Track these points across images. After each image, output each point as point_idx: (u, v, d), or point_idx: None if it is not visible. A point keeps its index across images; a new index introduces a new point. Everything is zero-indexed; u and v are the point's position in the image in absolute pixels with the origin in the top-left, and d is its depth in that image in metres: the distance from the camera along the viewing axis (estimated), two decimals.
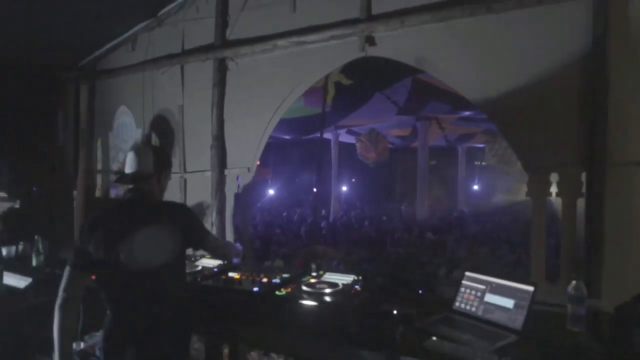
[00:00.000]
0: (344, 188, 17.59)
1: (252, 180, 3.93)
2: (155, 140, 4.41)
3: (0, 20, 3.75)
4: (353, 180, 19.08)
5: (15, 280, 2.74)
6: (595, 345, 1.45)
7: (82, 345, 2.62)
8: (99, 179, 5.03)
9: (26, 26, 3.91)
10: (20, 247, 3.26)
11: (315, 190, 9.29)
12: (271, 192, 17.40)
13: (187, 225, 1.85)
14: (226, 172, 3.94)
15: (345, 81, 7.37)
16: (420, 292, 2.10)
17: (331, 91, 7.59)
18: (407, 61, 3.27)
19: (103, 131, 4.95)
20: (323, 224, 10.39)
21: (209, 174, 3.97)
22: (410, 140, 14.17)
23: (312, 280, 2.16)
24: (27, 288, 2.66)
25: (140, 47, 4.49)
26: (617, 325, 1.42)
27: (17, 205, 4.14)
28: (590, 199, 2.65)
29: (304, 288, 2.04)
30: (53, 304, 1.77)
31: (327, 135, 13.11)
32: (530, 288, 1.68)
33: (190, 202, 4.02)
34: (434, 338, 1.58)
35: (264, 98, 3.75)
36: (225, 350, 2.31)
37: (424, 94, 8.19)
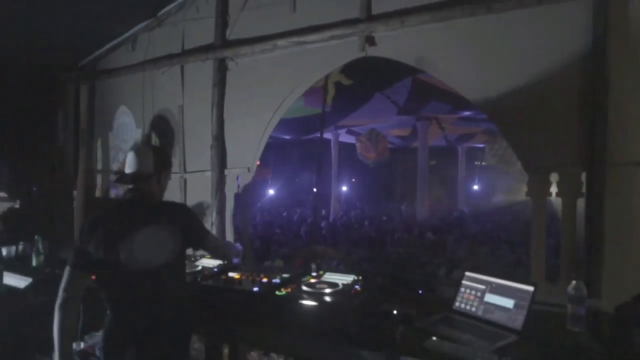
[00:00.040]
0: (344, 188, 17.59)
1: (252, 180, 3.93)
2: (155, 140, 4.41)
3: (1, 20, 3.75)
4: (353, 180, 19.08)
5: (15, 280, 2.74)
6: (595, 345, 1.45)
7: (82, 345, 2.62)
8: (99, 179, 5.03)
9: (26, 26, 3.91)
10: (20, 247, 3.26)
11: (315, 190, 9.28)
12: (271, 192, 17.39)
13: (187, 225, 1.85)
14: (226, 172, 3.94)
15: (346, 81, 7.37)
16: (420, 292, 2.09)
17: (331, 91, 7.59)
18: (407, 61, 3.27)
19: (103, 131, 4.95)
20: (323, 224, 10.39)
21: (209, 174, 3.97)
22: (410, 140, 14.17)
23: (312, 280, 2.16)
24: (27, 288, 2.66)
25: (140, 47, 4.49)
26: (617, 325, 1.42)
27: (17, 205, 4.13)
28: (590, 199, 2.65)
29: (304, 288, 2.04)
30: (53, 304, 1.77)
31: (327, 135, 13.11)
32: (530, 288, 1.68)
33: (190, 202, 4.02)
34: (434, 338, 1.58)
35: (264, 98, 3.75)
36: (225, 350, 2.31)
37: (424, 94, 8.19)
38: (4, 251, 3.17)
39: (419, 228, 9.59)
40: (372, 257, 6.49)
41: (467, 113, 9.69)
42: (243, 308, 2.03)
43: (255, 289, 2.09)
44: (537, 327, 1.64)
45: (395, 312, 1.70)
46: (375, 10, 3.25)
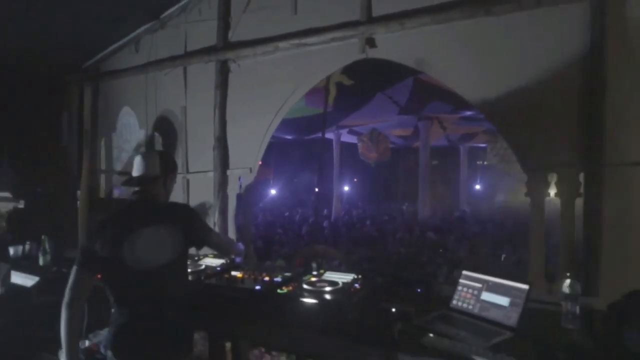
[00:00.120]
0: (346, 188, 17.62)
1: (254, 180, 3.97)
2: (158, 140, 4.46)
3: (5, 22, 3.81)
4: (355, 180, 19.10)
5: (22, 279, 2.79)
6: (588, 342, 1.49)
7: (86, 343, 2.66)
8: (102, 179, 5.08)
9: (30, 28, 3.96)
10: (27, 246, 3.32)
11: (317, 190, 9.32)
12: (273, 192, 17.44)
13: (189, 224, 1.90)
14: (228, 172, 3.99)
15: (347, 81, 7.40)
16: (418, 290, 2.13)
17: (333, 91, 7.62)
18: (407, 63, 3.31)
19: (106, 132, 5.01)
20: (325, 223, 10.43)
21: (211, 174, 4.01)
22: (412, 140, 14.19)
23: (313, 279, 2.20)
24: (34, 287, 2.71)
25: (143, 49, 4.54)
26: (609, 322, 1.46)
27: (21, 206, 4.19)
28: (588, 199, 2.68)
29: (305, 286, 2.08)
30: (60, 302, 1.81)
31: (329, 135, 13.15)
32: (525, 286, 1.72)
33: (193, 202, 4.07)
34: (431, 335, 1.62)
35: (265, 99, 3.79)
36: (228, 347, 2.35)
37: (425, 94, 8.21)
38: (11, 251, 3.22)
39: (421, 228, 9.61)
40: (372, 257, 6.52)
41: (468, 113, 9.70)
42: (245, 306, 2.07)
43: (258, 287, 2.14)
44: (533, 325, 1.68)
45: (393, 309, 1.74)
46: (376, 12, 3.28)
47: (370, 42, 3.29)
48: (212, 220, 3.90)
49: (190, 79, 4.22)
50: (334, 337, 1.75)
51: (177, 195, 4.06)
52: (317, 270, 2.37)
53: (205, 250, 2.51)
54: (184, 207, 2.07)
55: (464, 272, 1.96)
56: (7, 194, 4.22)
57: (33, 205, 4.47)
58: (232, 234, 3.94)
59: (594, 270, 2.62)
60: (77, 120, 5.12)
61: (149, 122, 4.53)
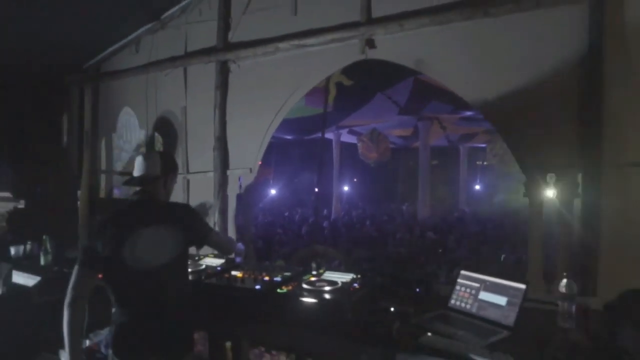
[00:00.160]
0: (346, 188, 17.63)
1: (254, 180, 3.99)
2: (158, 141, 4.47)
3: (5, 23, 3.82)
4: (354, 180, 19.12)
5: (24, 279, 2.81)
6: (584, 341, 1.51)
7: (87, 342, 2.68)
8: (102, 179, 5.10)
9: (31, 29, 3.98)
10: (28, 246, 3.33)
11: (316, 190, 9.34)
12: (273, 192, 17.46)
13: (190, 224, 1.92)
14: (228, 172, 4.00)
15: (347, 82, 7.42)
16: (417, 290, 2.15)
17: (332, 91, 7.63)
18: (407, 63, 3.32)
19: (107, 132, 5.02)
20: (325, 223, 10.44)
21: (211, 174, 4.03)
22: (411, 140, 14.21)
23: (313, 279, 2.22)
24: (35, 286, 2.72)
25: (144, 50, 4.55)
26: (604, 321, 1.47)
27: (21, 206, 4.20)
28: (586, 199, 2.69)
29: (305, 286, 2.10)
30: (61, 302, 1.83)
31: (329, 135, 13.16)
32: (522, 286, 1.74)
33: (193, 202, 4.08)
34: (429, 334, 1.64)
35: (265, 100, 3.80)
36: (228, 347, 2.37)
37: (425, 94, 8.23)
38: (12, 250, 3.24)
39: (420, 228, 9.63)
40: (372, 257, 6.54)
41: (468, 113, 9.72)
42: (245, 305, 2.09)
43: (258, 286, 2.15)
44: (530, 324, 1.70)
45: (392, 309, 1.76)
46: (375, 13, 3.30)
47: (370, 43, 3.31)
48: (212, 221, 3.92)
49: (191, 79, 4.24)
50: (333, 336, 1.77)
51: (177, 196, 4.07)
52: (317, 270, 2.39)
53: (206, 250, 2.53)
54: (185, 207, 2.09)
55: (462, 272, 1.98)
56: (7, 194, 4.24)
57: (33, 205, 4.49)
58: (232, 234, 3.96)
59: (591, 271, 2.63)
60: (77, 120, 5.14)
61: (149, 123, 4.55)
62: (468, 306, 1.86)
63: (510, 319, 1.68)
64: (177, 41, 4.29)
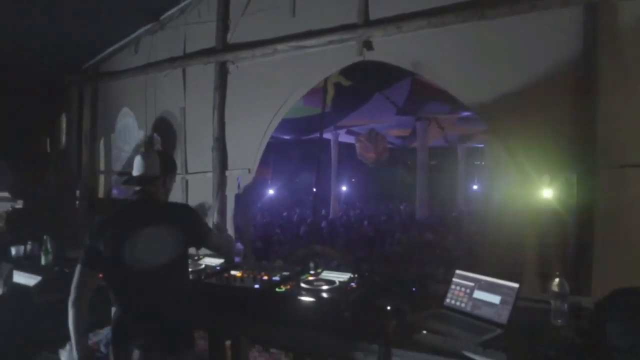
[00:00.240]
0: (344, 188, 17.67)
1: (252, 180, 4.02)
2: (157, 141, 4.49)
3: (5, 23, 3.84)
4: (353, 180, 19.16)
5: (24, 279, 2.83)
6: (575, 337, 1.54)
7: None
8: (101, 180, 5.12)
9: (31, 29, 3.99)
10: (29, 246, 3.35)
11: (315, 190, 9.37)
12: (271, 192, 17.48)
13: (190, 224, 1.94)
14: (227, 173, 4.03)
15: (345, 82, 7.44)
16: (413, 289, 2.19)
17: (331, 92, 7.65)
18: (404, 65, 3.36)
19: (106, 132, 5.04)
20: (323, 223, 10.47)
21: (210, 175, 4.05)
22: (410, 141, 14.24)
23: (310, 278, 2.25)
24: (36, 286, 2.74)
25: (143, 50, 4.58)
26: (594, 319, 1.51)
27: (19, 206, 4.21)
28: (581, 200, 2.73)
29: (303, 285, 2.14)
30: (62, 301, 1.86)
31: (327, 135, 13.18)
32: (516, 285, 1.78)
33: (192, 202, 4.11)
34: (425, 332, 1.68)
35: (264, 101, 3.83)
36: (228, 345, 2.40)
37: (423, 95, 8.26)
38: (13, 250, 3.26)
39: (418, 228, 9.66)
40: (370, 257, 6.57)
41: (466, 113, 9.74)
42: (244, 304, 2.12)
43: (256, 286, 2.18)
44: (523, 322, 1.74)
45: (388, 307, 1.79)
46: (373, 15, 3.33)
47: (368, 45, 3.34)
48: (211, 221, 3.95)
49: (190, 80, 4.26)
50: (330, 334, 1.80)
51: (176, 196, 4.09)
52: (315, 269, 2.42)
53: (205, 249, 2.56)
54: (184, 207, 2.11)
55: (457, 271, 2.01)
56: (5, 194, 4.25)
57: (32, 206, 4.50)
58: (231, 234, 3.99)
59: (585, 270, 2.68)
60: (76, 120, 5.16)
61: (148, 123, 4.57)
62: (463, 305, 1.90)
63: (503, 317, 1.72)
64: (176, 42, 4.31)
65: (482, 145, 15.13)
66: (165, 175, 2.02)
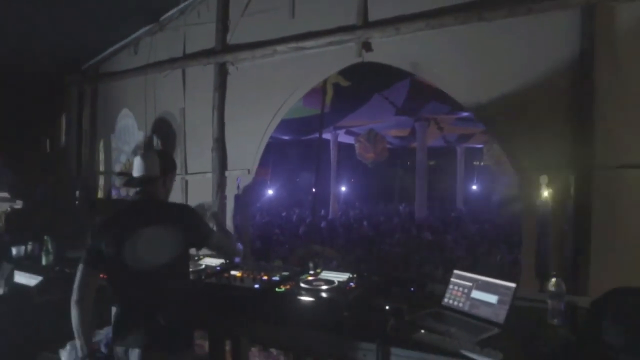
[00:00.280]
0: (343, 188, 17.68)
1: (252, 180, 4.03)
2: (156, 142, 4.51)
3: (5, 23, 3.85)
4: (352, 180, 19.18)
5: (25, 279, 2.84)
6: (571, 336, 1.57)
7: None
8: (101, 180, 5.13)
9: (31, 30, 4.01)
10: (29, 247, 3.37)
11: (314, 190, 9.39)
12: (270, 192, 17.49)
13: (191, 225, 1.96)
14: (227, 173, 4.04)
15: (344, 82, 7.44)
16: (412, 289, 2.21)
17: (330, 92, 7.66)
18: (403, 66, 3.38)
19: (105, 133, 5.06)
20: (323, 224, 10.49)
21: (209, 175, 4.06)
22: (409, 141, 14.25)
23: (310, 278, 2.27)
24: (37, 286, 2.76)
25: (143, 51, 4.59)
26: (590, 318, 1.53)
27: (18, 206, 4.23)
28: (578, 200, 2.75)
29: (302, 285, 2.16)
30: (63, 301, 1.88)
31: (326, 135, 13.18)
32: (513, 285, 1.80)
33: (192, 203, 4.10)
34: (423, 331, 1.70)
35: (263, 101, 3.85)
36: (228, 345, 2.41)
37: (422, 95, 8.26)
38: (14, 251, 3.28)
39: (417, 228, 9.69)
40: (369, 257, 6.59)
41: (465, 114, 9.75)
42: (244, 304, 2.14)
43: (256, 286, 2.20)
44: (520, 321, 1.76)
45: (387, 307, 1.81)
46: (372, 17, 3.35)
47: (367, 46, 3.36)
48: (211, 221, 3.95)
49: (189, 81, 4.27)
50: (329, 333, 1.82)
51: (175, 196, 4.10)
52: (314, 269, 2.44)
53: (206, 250, 2.57)
54: (185, 208, 2.13)
55: (455, 272, 2.03)
56: (5, 194, 4.26)
57: (31, 206, 4.52)
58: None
59: (583, 270, 2.70)
60: (76, 121, 5.17)
61: (147, 124, 4.58)
62: (461, 304, 1.92)
63: (500, 316, 1.74)
64: (175, 43, 4.33)
65: (481, 146, 15.13)
66: (165, 176, 2.04)
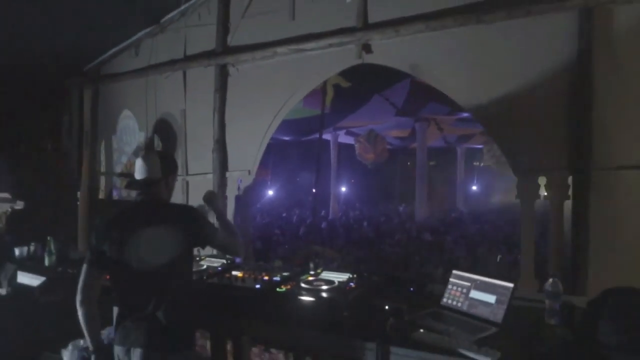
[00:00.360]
0: (343, 189, 17.70)
1: (252, 181, 4.05)
2: (158, 143, 4.53)
3: (6, 25, 3.87)
4: (352, 181, 19.19)
5: (28, 279, 2.87)
6: (567, 336, 1.59)
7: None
8: (102, 181, 5.15)
9: (32, 32, 4.03)
10: (32, 247, 3.40)
11: (314, 191, 9.41)
12: (270, 192, 17.51)
13: (194, 224, 1.97)
14: (227, 174, 4.06)
15: (344, 83, 7.47)
16: (411, 289, 2.23)
17: (330, 93, 7.68)
18: (402, 68, 3.41)
19: (107, 134, 5.08)
20: (323, 224, 10.51)
21: (210, 176, 4.09)
22: (409, 141, 14.27)
23: (310, 278, 2.29)
24: (40, 286, 2.78)
25: (144, 53, 4.61)
26: (586, 318, 1.56)
27: (21, 207, 4.25)
28: (576, 201, 2.78)
29: (303, 285, 2.18)
30: (65, 302, 1.90)
31: (326, 136, 13.21)
32: (510, 285, 1.82)
33: (192, 204, 4.11)
34: (422, 330, 1.72)
35: (264, 103, 3.87)
36: (229, 345, 2.43)
37: (422, 96, 8.28)
38: (17, 251, 3.31)
39: (417, 229, 9.70)
40: (369, 257, 6.61)
41: (465, 114, 9.77)
42: (246, 304, 2.16)
43: (257, 286, 2.22)
44: (518, 321, 1.78)
45: (387, 307, 1.83)
46: (372, 19, 3.38)
47: (367, 48, 3.38)
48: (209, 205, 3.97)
49: (190, 82, 4.30)
50: (329, 333, 1.84)
51: (176, 197, 4.13)
52: (315, 270, 2.46)
53: (206, 250, 2.59)
54: (188, 208, 2.15)
55: (454, 272, 2.06)
56: (6, 195, 4.28)
57: (33, 206, 4.54)
58: None
59: (581, 270, 2.72)
60: (77, 122, 5.19)
61: (148, 125, 4.61)
62: (459, 304, 1.94)
63: (498, 316, 1.77)
64: (176, 45, 4.35)
65: (481, 146, 15.16)
66: (167, 177, 2.06)
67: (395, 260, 6.47)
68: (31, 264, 3.13)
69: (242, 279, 2.36)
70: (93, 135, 5.11)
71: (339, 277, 2.31)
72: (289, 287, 2.20)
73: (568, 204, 2.85)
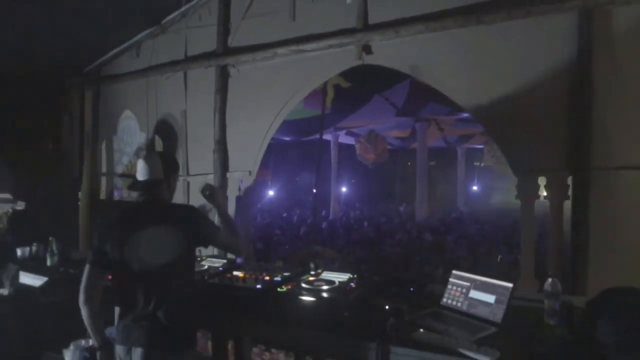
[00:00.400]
0: (344, 189, 17.70)
1: (253, 181, 4.06)
2: (159, 144, 4.54)
3: (7, 26, 3.88)
4: (352, 181, 19.19)
5: (30, 280, 2.88)
6: (566, 336, 1.60)
7: (90, 342, 2.73)
8: (103, 181, 5.17)
9: (33, 32, 4.05)
10: (34, 248, 3.41)
11: (314, 191, 9.42)
12: (271, 193, 17.52)
13: (196, 224, 1.99)
14: (228, 175, 4.08)
15: (344, 84, 7.47)
16: (411, 289, 2.24)
17: (330, 94, 7.68)
18: (402, 69, 3.42)
19: (107, 135, 5.10)
20: (324, 224, 10.52)
21: (211, 177, 4.10)
22: (409, 142, 14.27)
23: (311, 278, 2.30)
24: (42, 287, 2.79)
25: (144, 54, 4.63)
26: (585, 317, 1.56)
27: (22, 207, 4.26)
28: (575, 201, 2.79)
29: (303, 285, 2.19)
30: (67, 302, 1.91)
31: (327, 136, 13.22)
32: (510, 285, 1.83)
33: (193, 204, 4.14)
34: (422, 330, 1.73)
35: (264, 103, 3.88)
36: (230, 345, 2.44)
37: (422, 96, 8.29)
38: (19, 252, 3.32)
39: (418, 229, 9.70)
40: (370, 258, 6.62)
41: (465, 114, 9.77)
42: (247, 304, 2.17)
43: (258, 286, 2.24)
44: (517, 320, 1.79)
45: (387, 307, 1.84)
46: (372, 20, 3.39)
47: (367, 49, 3.40)
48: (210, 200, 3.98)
49: (191, 83, 4.31)
50: (330, 332, 1.85)
51: (177, 198, 4.11)
52: (315, 270, 2.47)
53: (207, 251, 2.61)
54: (190, 208, 2.16)
55: (454, 272, 2.07)
56: (7, 196, 4.29)
57: (33, 207, 4.55)
58: None
59: (581, 270, 2.73)
60: (78, 123, 5.21)
61: (149, 126, 4.62)
62: (459, 304, 1.95)
63: (498, 316, 1.77)
64: (177, 45, 4.37)
65: (481, 146, 15.15)
66: (169, 177, 2.08)
67: (395, 261, 6.47)
68: (33, 264, 3.14)
69: (243, 279, 2.37)
70: (94, 135, 5.13)
71: (339, 277, 2.32)
72: (289, 287, 2.21)
73: (568, 204, 2.85)
